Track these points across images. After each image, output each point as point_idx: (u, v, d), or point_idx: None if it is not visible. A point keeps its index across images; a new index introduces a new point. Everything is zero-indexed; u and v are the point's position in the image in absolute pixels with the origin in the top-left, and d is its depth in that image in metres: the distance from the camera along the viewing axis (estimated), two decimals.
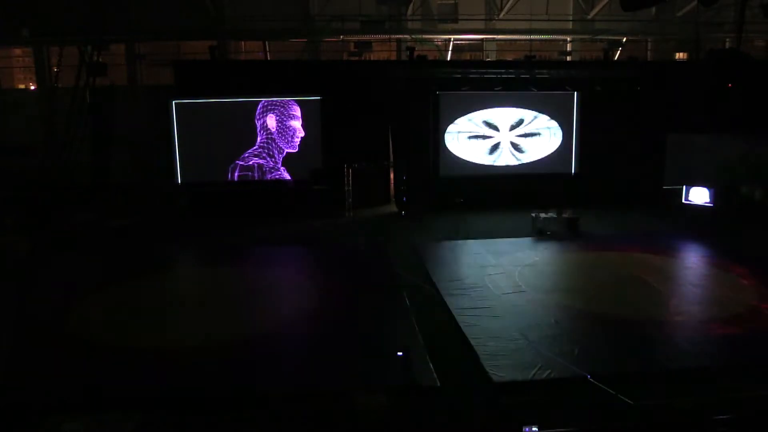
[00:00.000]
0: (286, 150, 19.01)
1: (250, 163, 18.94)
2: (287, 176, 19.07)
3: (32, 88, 23.24)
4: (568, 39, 23.80)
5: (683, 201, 17.55)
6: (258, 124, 18.83)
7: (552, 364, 8.89)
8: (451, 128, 19.51)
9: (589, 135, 19.74)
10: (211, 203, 18.80)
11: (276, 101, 18.75)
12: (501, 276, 13.10)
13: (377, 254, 14.95)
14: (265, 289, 12.82)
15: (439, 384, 8.44)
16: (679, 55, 25.77)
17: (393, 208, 19.82)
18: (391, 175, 19.99)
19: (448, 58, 23.61)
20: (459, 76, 19.19)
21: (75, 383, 8.66)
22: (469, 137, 19.65)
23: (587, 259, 14.41)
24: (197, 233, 17.17)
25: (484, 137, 19.76)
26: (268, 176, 19.01)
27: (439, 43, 23.73)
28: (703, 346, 9.63)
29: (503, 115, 19.78)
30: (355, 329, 10.53)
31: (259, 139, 18.87)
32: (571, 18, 24.17)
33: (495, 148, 19.89)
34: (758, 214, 17.37)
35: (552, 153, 20.06)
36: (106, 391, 8.35)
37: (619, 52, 23.78)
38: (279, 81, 18.88)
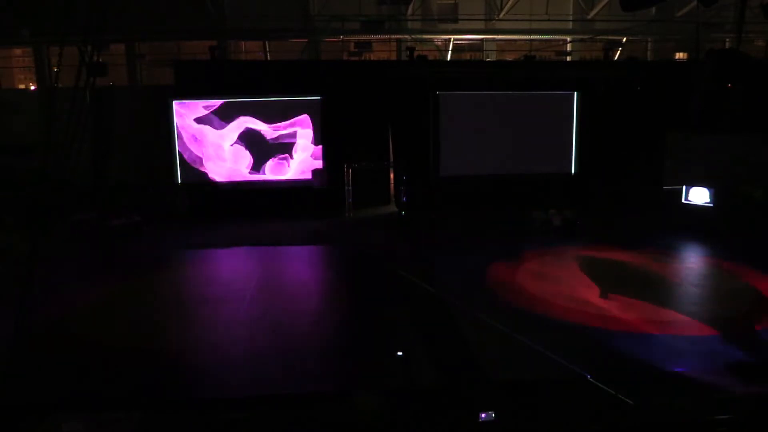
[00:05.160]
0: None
1: None
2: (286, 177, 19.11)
3: (32, 88, 23.24)
4: (568, 39, 23.80)
5: (683, 201, 17.55)
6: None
7: (552, 364, 8.90)
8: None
9: (589, 135, 19.76)
10: (211, 203, 18.82)
11: None
12: (499, 275, 13.11)
13: (377, 254, 14.95)
14: (265, 289, 12.81)
15: (439, 384, 8.44)
16: (679, 55, 25.78)
17: (393, 208, 19.82)
18: (391, 175, 19.99)
19: (448, 58, 23.61)
20: (459, 76, 19.18)
21: (75, 383, 8.67)
22: None
23: (586, 259, 14.41)
24: (196, 233, 17.17)
25: None
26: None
27: (439, 43, 23.74)
28: (704, 346, 9.64)
29: None
30: (355, 329, 10.54)
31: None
32: (571, 18, 24.19)
33: None
34: (758, 214, 17.36)
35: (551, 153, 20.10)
36: (106, 391, 8.35)
37: (619, 52, 23.80)
38: (279, 81, 18.90)
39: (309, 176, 19.05)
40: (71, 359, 9.44)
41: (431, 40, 23.38)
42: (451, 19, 23.35)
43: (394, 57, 23.37)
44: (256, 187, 18.97)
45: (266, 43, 22.81)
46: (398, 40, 23.02)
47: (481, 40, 24.08)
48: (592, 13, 23.55)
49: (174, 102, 18.46)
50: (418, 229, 17.45)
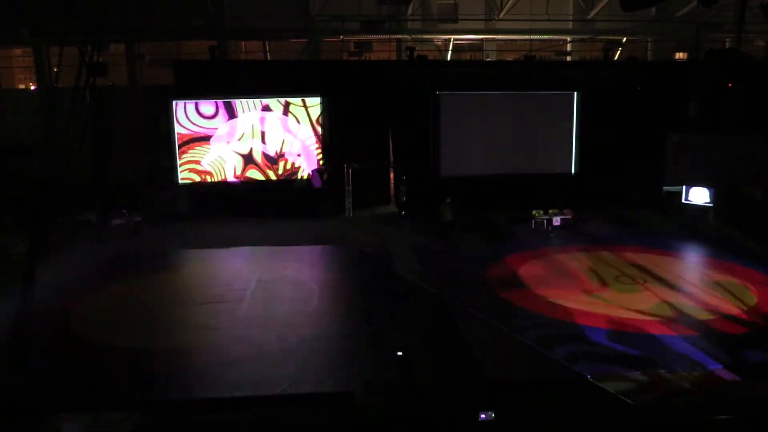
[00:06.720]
0: None
1: None
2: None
3: (32, 88, 23.24)
4: (568, 39, 23.78)
5: (683, 201, 17.57)
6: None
7: (552, 364, 8.90)
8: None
9: (589, 135, 19.74)
10: (211, 203, 18.80)
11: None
12: (499, 275, 13.12)
13: (377, 254, 14.95)
14: (265, 289, 12.81)
15: (439, 384, 8.44)
16: (679, 55, 25.76)
17: (393, 208, 19.81)
18: (391, 175, 19.98)
19: (448, 58, 23.61)
20: (459, 76, 19.17)
21: (75, 383, 8.67)
22: None
23: (587, 259, 14.41)
24: (196, 233, 17.16)
25: None
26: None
27: (439, 43, 23.73)
28: (703, 346, 9.64)
29: None
30: (355, 329, 10.54)
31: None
32: (571, 18, 24.17)
33: None
34: (758, 214, 17.37)
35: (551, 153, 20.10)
36: (106, 391, 8.36)
37: (619, 52, 23.79)
38: (279, 81, 18.88)
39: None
40: (71, 359, 9.44)
41: (431, 40, 23.36)
42: (451, 19, 23.33)
43: (394, 57, 23.35)
44: (256, 187, 18.96)
45: (266, 43, 22.80)
46: (398, 40, 23.01)
47: (481, 40, 24.07)
48: (592, 13, 23.54)
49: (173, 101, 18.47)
50: (417, 229, 17.43)
